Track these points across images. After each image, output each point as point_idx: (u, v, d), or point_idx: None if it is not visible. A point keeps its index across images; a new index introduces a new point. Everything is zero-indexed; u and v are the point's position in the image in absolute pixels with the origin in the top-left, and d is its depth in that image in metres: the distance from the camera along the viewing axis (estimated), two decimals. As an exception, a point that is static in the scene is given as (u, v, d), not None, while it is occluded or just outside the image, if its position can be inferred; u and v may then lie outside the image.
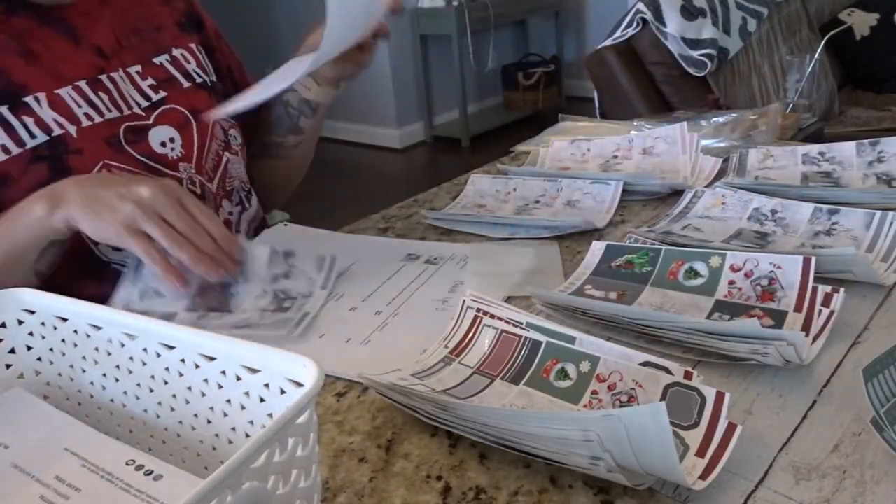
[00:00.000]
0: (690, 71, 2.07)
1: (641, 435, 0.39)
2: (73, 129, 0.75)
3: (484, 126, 4.16)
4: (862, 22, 2.60)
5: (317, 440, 0.38)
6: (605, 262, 0.70)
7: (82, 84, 0.78)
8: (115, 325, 0.46)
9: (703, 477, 0.43)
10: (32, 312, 0.49)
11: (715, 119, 1.12)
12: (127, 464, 0.43)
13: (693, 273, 0.64)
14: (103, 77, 0.80)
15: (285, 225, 0.91)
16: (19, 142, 0.73)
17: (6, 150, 0.72)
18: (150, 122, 0.82)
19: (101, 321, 0.46)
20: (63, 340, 0.48)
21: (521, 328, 0.58)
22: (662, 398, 0.49)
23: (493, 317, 0.60)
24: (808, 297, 0.59)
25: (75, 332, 0.48)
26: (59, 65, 0.77)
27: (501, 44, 4.43)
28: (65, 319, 0.48)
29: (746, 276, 0.62)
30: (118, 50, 0.82)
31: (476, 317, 0.61)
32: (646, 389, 0.51)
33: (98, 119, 0.78)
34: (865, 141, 0.90)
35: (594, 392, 0.52)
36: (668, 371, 0.51)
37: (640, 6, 2.06)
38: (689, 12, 2.05)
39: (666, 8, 2.04)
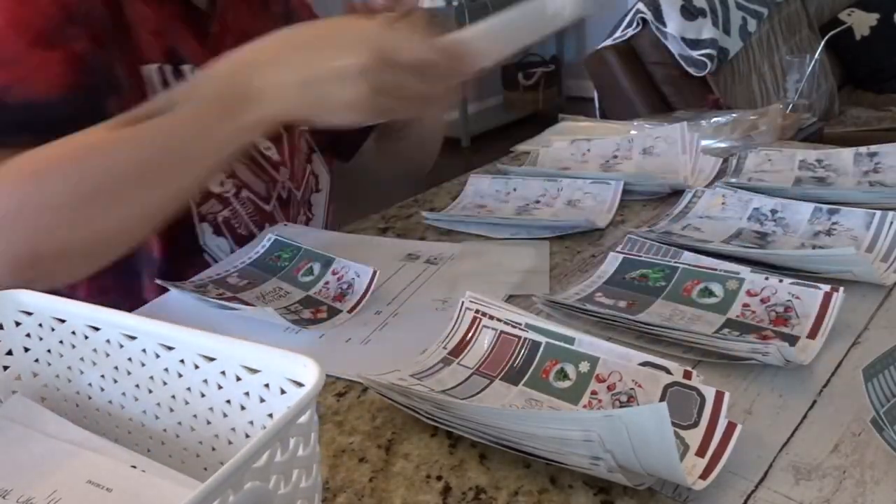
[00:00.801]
0: (690, 71, 2.07)
1: (643, 435, 0.39)
2: None
3: (484, 126, 4.16)
4: (862, 22, 2.61)
5: (318, 440, 0.38)
6: (620, 274, 0.69)
7: None
8: (113, 326, 0.46)
9: (703, 477, 0.43)
10: (30, 314, 0.48)
11: (715, 119, 1.12)
12: (129, 468, 0.43)
13: (708, 292, 0.64)
14: None
15: (285, 225, 0.91)
16: None
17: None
18: None
19: (100, 322, 0.46)
20: (61, 342, 0.48)
21: (521, 329, 0.58)
22: (662, 398, 0.49)
23: (491, 317, 0.60)
24: (824, 327, 0.57)
25: (73, 333, 0.47)
26: (191, 61, 0.78)
27: (501, 44, 4.42)
28: (63, 320, 0.48)
29: (763, 301, 0.61)
30: None
31: (475, 317, 0.61)
32: (645, 389, 0.51)
33: None
34: (863, 150, 0.90)
35: (594, 392, 0.52)
36: (667, 371, 0.51)
37: (640, 6, 2.07)
38: (689, 12, 2.05)
39: (666, 8, 2.04)
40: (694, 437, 0.46)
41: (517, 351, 0.57)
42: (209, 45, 0.81)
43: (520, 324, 0.58)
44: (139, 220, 0.62)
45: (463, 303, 0.62)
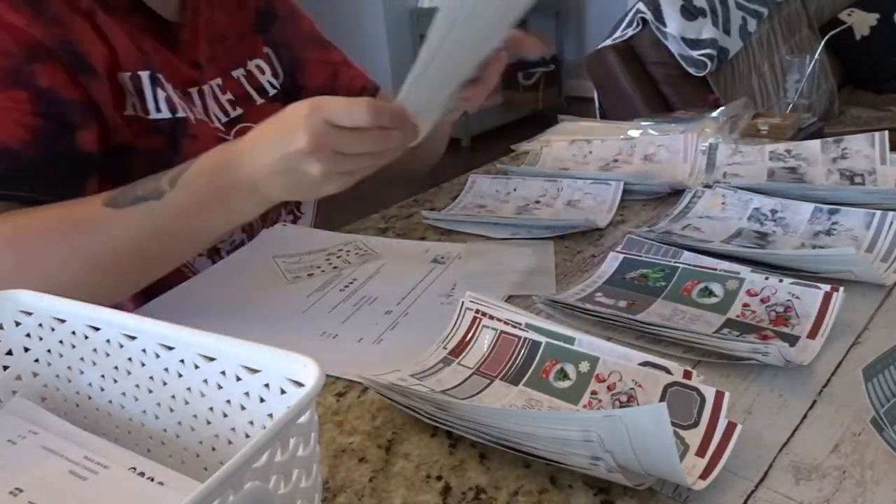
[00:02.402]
0: (690, 71, 2.07)
1: (643, 435, 0.39)
2: (192, 117, 0.78)
3: (484, 126, 4.16)
4: (862, 22, 2.61)
5: (318, 440, 0.38)
6: (620, 274, 0.69)
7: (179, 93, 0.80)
8: (113, 326, 0.46)
9: (703, 476, 0.43)
10: (30, 314, 0.48)
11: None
12: (128, 470, 0.43)
13: (708, 292, 0.64)
14: (193, 91, 0.82)
15: (283, 225, 0.91)
16: (144, 109, 0.74)
17: (127, 111, 0.73)
18: (230, 138, 0.83)
19: (100, 322, 0.46)
20: (61, 342, 0.48)
21: (521, 329, 0.58)
22: (662, 398, 0.49)
23: (492, 317, 0.60)
24: (824, 327, 0.58)
25: (73, 333, 0.47)
26: (164, 68, 0.78)
27: (501, 44, 4.43)
28: (63, 320, 0.48)
29: (763, 301, 0.61)
30: (210, 61, 0.84)
31: (475, 318, 0.60)
32: (645, 389, 0.51)
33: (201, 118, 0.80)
34: (830, 139, 0.92)
35: (594, 392, 0.52)
36: (667, 371, 0.51)
37: (640, 6, 2.06)
38: (689, 12, 2.05)
39: (666, 8, 2.04)
40: (694, 437, 0.46)
41: (517, 351, 0.57)
42: (181, 53, 0.81)
43: (520, 324, 0.58)
44: (133, 288, 0.69)
45: (463, 303, 0.62)
